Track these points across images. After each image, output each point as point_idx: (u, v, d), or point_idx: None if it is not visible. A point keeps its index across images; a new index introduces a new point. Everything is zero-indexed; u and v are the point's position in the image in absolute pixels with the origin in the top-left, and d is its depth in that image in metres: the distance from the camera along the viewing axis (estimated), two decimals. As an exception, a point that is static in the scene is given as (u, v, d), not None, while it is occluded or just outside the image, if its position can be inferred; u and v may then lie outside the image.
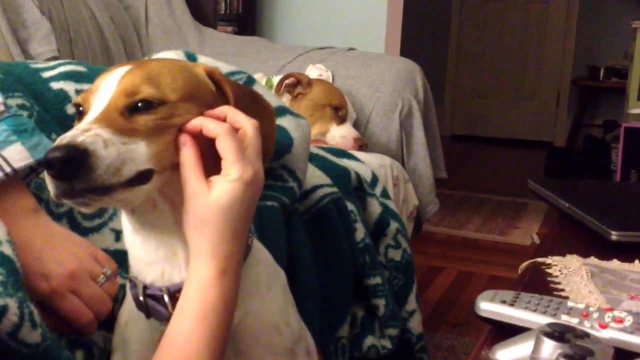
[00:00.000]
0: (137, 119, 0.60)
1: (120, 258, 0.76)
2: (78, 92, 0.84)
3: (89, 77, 0.86)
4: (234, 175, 0.61)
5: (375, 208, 1.21)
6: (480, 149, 4.96)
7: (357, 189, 1.22)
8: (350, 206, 1.12)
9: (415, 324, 1.12)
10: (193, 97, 0.64)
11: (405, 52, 2.67)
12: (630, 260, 0.86)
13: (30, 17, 1.55)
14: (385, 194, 1.28)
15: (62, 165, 0.54)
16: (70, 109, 0.86)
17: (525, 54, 5.20)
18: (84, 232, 0.75)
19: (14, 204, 0.69)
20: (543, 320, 0.62)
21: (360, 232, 1.10)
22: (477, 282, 2.30)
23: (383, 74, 1.89)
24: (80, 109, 0.63)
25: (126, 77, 0.62)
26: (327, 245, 1.05)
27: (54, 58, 1.51)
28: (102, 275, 0.69)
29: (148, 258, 0.64)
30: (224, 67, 0.99)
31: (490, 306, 0.66)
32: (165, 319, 0.64)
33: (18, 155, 0.70)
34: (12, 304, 0.57)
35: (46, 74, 0.88)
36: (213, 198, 0.61)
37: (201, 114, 0.64)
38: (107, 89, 0.62)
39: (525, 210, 3.24)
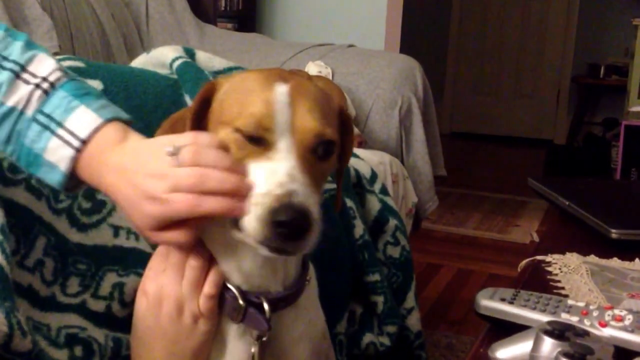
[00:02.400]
0: (317, 167, 0.61)
1: (119, 255, 0.75)
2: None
3: (87, 72, 0.86)
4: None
5: (374, 205, 1.21)
6: (479, 146, 4.96)
7: (356, 185, 1.21)
8: (349, 203, 1.12)
9: (414, 322, 1.12)
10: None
11: (405, 49, 2.67)
12: (630, 258, 0.86)
13: (31, 13, 1.55)
14: (384, 191, 1.28)
15: (294, 232, 0.56)
16: None
17: (525, 51, 5.20)
18: (82, 228, 0.75)
19: (100, 154, 0.62)
20: (543, 318, 0.62)
21: (359, 229, 1.09)
22: (476, 280, 2.30)
23: (383, 70, 1.89)
24: (245, 131, 0.59)
25: (303, 106, 0.61)
26: (326, 242, 1.05)
27: (55, 54, 1.51)
28: (169, 155, 0.59)
29: (249, 271, 0.65)
30: (222, 63, 0.99)
31: (489, 304, 0.66)
32: (261, 329, 0.66)
33: (84, 121, 0.62)
34: None
35: (45, 70, 0.88)
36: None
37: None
38: (285, 116, 0.60)
39: (525, 208, 3.24)
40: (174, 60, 0.92)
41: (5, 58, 0.65)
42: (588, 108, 4.85)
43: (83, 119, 0.62)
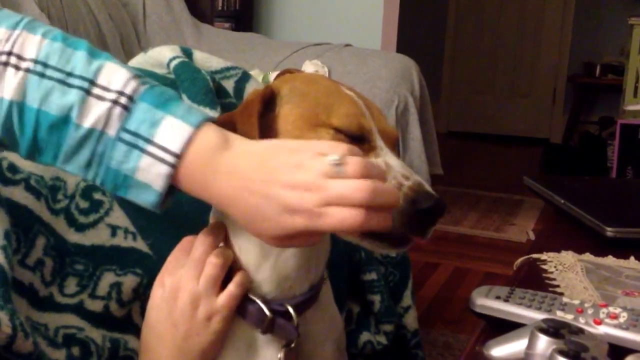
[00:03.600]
0: None
1: (116, 254, 0.76)
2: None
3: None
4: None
5: (371, 204, 1.21)
6: (476, 145, 4.96)
7: (353, 185, 1.21)
8: (346, 202, 1.12)
9: (411, 320, 1.12)
10: None
11: (401, 48, 2.67)
12: (625, 256, 0.86)
13: (29, 14, 1.55)
14: (381, 190, 1.28)
15: (435, 217, 0.59)
16: None
17: (521, 50, 5.21)
18: (80, 227, 0.75)
19: (205, 162, 0.57)
20: (538, 316, 0.62)
21: (356, 228, 1.10)
22: (472, 279, 2.30)
23: (379, 70, 1.89)
24: (347, 131, 0.62)
25: (375, 109, 0.67)
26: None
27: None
28: (333, 166, 0.54)
29: (286, 274, 0.66)
30: (219, 63, 0.98)
31: (485, 302, 0.66)
32: (290, 337, 0.66)
33: (174, 133, 0.57)
34: (3, 316, 0.57)
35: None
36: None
37: None
38: (370, 117, 0.64)
39: (521, 207, 3.25)
40: (171, 60, 0.92)
41: (70, 74, 0.58)
42: (584, 107, 4.86)
43: (173, 130, 0.57)
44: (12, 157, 0.70)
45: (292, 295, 0.67)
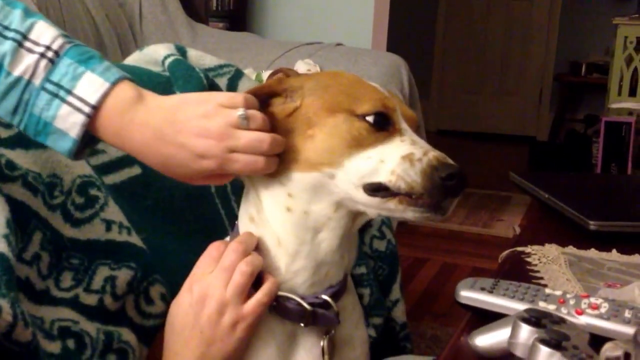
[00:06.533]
0: None
1: (111, 249, 0.77)
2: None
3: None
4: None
5: (361, 200, 1.22)
6: (465, 143, 4.99)
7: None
8: (336, 198, 1.13)
9: (399, 313, 1.13)
10: None
11: (392, 47, 2.69)
12: (607, 249, 0.87)
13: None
14: (371, 186, 1.29)
15: (459, 185, 0.61)
16: None
17: (509, 50, 5.24)
18: (75, 223, 0.76)
19: (120, 114, 0.63)
20: (521, 306, 0.62)
21: (346, 224, 1.12)
22: (460, 274, 2.33)
23: (369, 68, 1.91)
24: (374, 113, 0.64)
25: (397, 97, 0.70)
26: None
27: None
28: (240, 119, 0.63)
29: (321, 259, 0.67)
30: (212, 61, 1.00)
31: (470, 293, 0.67)
32: (334, 324, 0.68)
33: (92, 86, 0.63)
34: (4, 304, 0.57)
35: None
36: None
37: None
38: (397, 105, 0.67)
39: (509, 203, 3.28)
40: (165, 58, 0.93)
41: (6, 27, 0.64)
42: (570, 105, 4.90)
43: (91, 84, 0.63)
44: (10, 154, 0.70)
45: (328, 284, 0.68)
